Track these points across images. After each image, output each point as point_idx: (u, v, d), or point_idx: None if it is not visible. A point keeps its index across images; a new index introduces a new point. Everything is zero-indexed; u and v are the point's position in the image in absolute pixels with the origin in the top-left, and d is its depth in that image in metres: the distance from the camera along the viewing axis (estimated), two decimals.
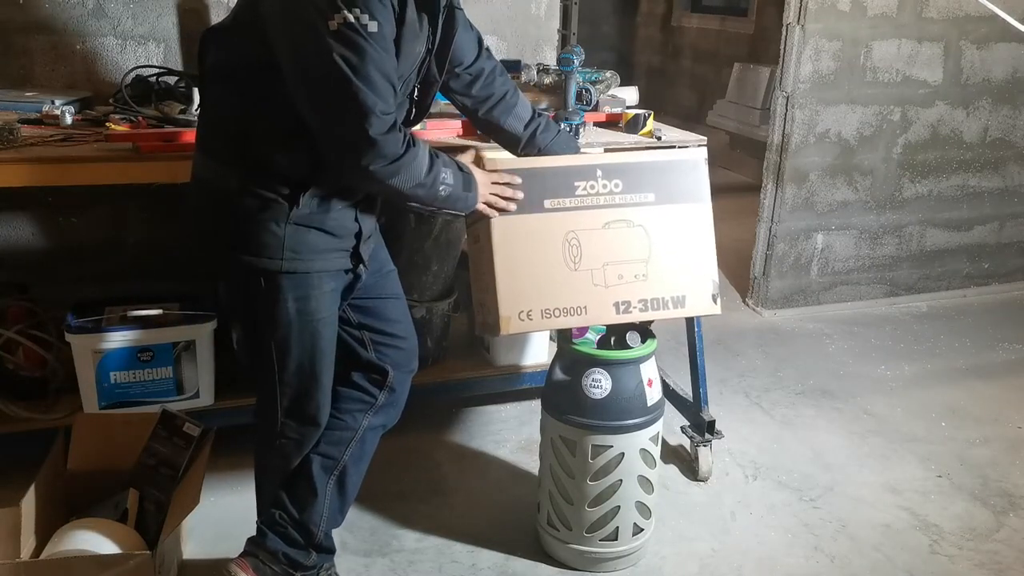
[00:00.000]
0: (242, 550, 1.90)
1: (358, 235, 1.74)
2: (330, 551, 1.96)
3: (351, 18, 1.44)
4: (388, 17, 1.49)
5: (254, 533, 1.91)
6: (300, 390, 1.79)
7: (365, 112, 1.49)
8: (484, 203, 1.83)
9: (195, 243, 1.79)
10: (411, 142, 1.57)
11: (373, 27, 1.46)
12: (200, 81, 1.72)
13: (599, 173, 1.95)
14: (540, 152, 2.04)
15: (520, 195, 1.88)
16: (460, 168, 1.73)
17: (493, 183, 1.85)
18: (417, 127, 2.32)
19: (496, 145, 2.20)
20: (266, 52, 1.54)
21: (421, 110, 1.80)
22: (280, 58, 1.53)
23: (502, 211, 1.86)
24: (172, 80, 2.48)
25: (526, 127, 2.03)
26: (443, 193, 1.68)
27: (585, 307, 1.94)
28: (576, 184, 1.93)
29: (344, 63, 1.46)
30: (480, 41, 1.98)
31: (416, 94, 1.75)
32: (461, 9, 1.78)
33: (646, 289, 1.98)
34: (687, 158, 2.05)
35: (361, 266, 1.78)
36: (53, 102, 2.33)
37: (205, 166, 1.70)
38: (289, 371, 1.76)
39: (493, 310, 1.90)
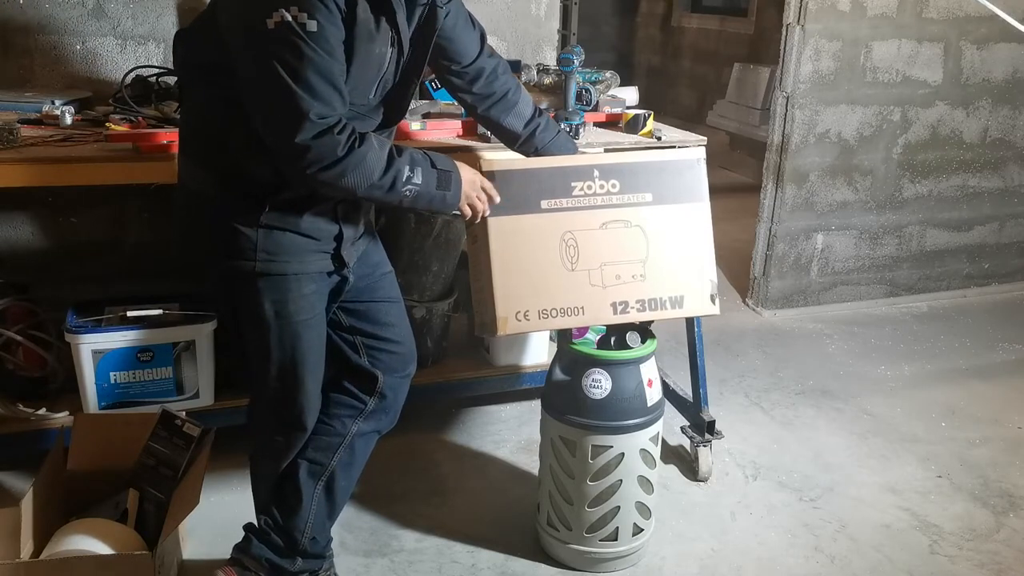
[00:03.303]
0: (229, 556, 1.89)
1: (338, 237, 1.70)
2: (318, 556, 1.94)
3: (288, 17, 1.38)
4: (332, 18, 1.43)
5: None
6: (283, 393, 1.76)
7: (298, 116, 1.43)
8: (468, 204, 1.76)
9: (181, 248, 1.78)
10: (355, 144, 1.49)
11: (312, 26, 1.40)
12: (178, 83, 1.70)
13: (596, 173, 1.95)
14: (538, 151, 2.03)
15: (497, 200, 1.84)
16: (434, 165, 1.65)
17: (481, 186, 1.79)
18: (416, 127, 2.32)
19: (496, 145, 2.21)
20: (225, 54, 1.51)
21: (400, 110, 1.75)
22: (231, 59, 1.50)
23: (474, 216, 1.81)
24: (172, 80, 2.48)
25: (526, 126, 2.02)
26: (409, 194, 1.60)
27: (582, 307, 1.94)
28: (573, 184, 1.93)
29: (279, 64, 1.41)
30: (483, 39, 1.96)
31: (393, 95, 1.70)
32: (442, 7, 1.72)
33: (644, 289, 1.98)
34: (685, 158, 2.05)
35: (346, 269, 1.75)
36: (53, 102, 2.33)
37: (185, 169, 1.69)
38: (271, 374, 1.74)
39: (490, 310, 1.90)
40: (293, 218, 1.62)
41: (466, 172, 1.74)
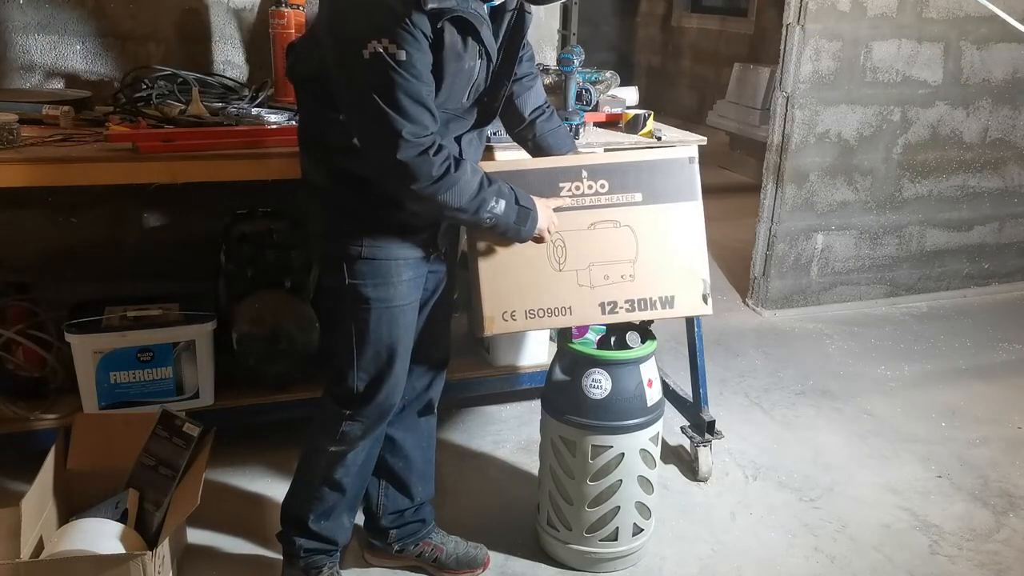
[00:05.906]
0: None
1: (434, 225, 1.81)
2: (328, 540, 1.99)
3: (380, 49, 1.51)
4: (419, 46, 1.54)
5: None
6: (375, 375, 1.83)
7: (394, 136, 1.55)
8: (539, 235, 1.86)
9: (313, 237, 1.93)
10: (451, 168, 1.61)
11: (402, 56, 1.52)
12: (295, 88, 1.83)
13: (584, 174, 1.95)
14: (535, 138, 2.04)
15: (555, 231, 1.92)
16: (518, 201, 1.77)
17: (551, 222, 1.89)
18: None
19: (504, 147, 2.21)
20: (325, 69, 1.64)
21: (491, 110, 1.84)
22: (331, 76, 1.63)
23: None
24: (172, 80, 2.47)
25: (532, 112, 2.04)
26: (488, 221, 1.73)
27: (570, 308, 1.95)
28: (561, 185, 1.94)
29: (373, 91, 1.54)
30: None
31: (485, 97, 1.80)
32: (530, 13, 1.81)
33: (633, 289, 1.98)
34: (675, 157, 2.03)
35: (436, 253, 1.86)
36: (53, 102, 2.33)
37: (304, 164, 1.82)
38: (366, 356, 1.81)
39: (478, 310, 1.92)
40: (395, 211, 1.73)
41: (544, 210, 1.85)
